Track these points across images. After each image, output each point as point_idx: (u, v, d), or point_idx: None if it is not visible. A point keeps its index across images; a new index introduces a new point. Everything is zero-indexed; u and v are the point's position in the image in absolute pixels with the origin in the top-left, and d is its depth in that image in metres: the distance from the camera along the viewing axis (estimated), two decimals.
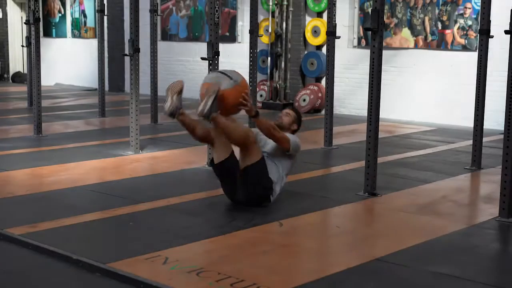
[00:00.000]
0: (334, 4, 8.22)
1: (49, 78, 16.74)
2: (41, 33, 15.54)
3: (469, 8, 10.44)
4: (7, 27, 18.04)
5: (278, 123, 5.59)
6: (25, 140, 8.50)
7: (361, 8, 11.62)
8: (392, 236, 4.75)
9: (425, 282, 3.89)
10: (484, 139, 7.43)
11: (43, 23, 16.35)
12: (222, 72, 5.23)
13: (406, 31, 11.15)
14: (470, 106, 9.58)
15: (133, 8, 7.57)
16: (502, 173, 5.15)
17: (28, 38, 10.71)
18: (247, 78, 9.64)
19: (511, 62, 5.22)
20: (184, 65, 14.25)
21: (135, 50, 7.63)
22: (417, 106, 11.06)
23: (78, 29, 16.47)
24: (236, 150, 5.36)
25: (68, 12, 16.62)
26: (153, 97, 10.34)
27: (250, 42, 8.84)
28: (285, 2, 12.20)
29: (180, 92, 5.17)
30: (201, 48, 13.51)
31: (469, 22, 10.47)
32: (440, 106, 10.80)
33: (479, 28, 7.07)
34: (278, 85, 12.41)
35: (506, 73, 5.26)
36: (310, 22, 12.11)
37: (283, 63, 12.37)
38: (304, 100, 11.92)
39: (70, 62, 16.70)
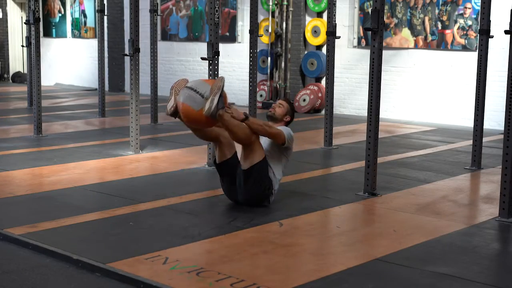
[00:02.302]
0: (334, 4, 8.22)
1: (49, 78, 16.75)
2: (41, 33, 15.57)
3: (469, 8, 10.44)
4: (7, 27, 18.05)
5: (271, 114, 5.60)
6: (25, 140, 8.50)
7: (361, 8, 11.62)
8: (392, 236, 4.75)
9: (425, 282, 3.89)
10: (484, 139, 7.43)
11: (43, 23, 16.35)
12: (192, 89, 5.01)
13: (406, 31, 11.15)
14: (470, 106, 9.61)
15: (133, 8, 7.57)
16: (502, 173, 5.15)
17: (28, 38, 10.72)
18: (247, 78, 9.65)
19: (511, 62, 5.22)
20: (184, 65, 14.25)
21: (135, 50, 7.63)
22: (417, 106, 11.07)
23: (78, 29, 16.48)
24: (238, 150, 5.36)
25: (68, 12, 16.62)
26: (153, 97, 10.34)
27: (250, 42, 8.83)
28: (285, 2, 12.20)
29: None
30: (201, 48, 13.59)
31: (469, 22, 10.47)
32: (440, 106, 10.80)
33: (479, 28, 7.07)
34: (278, 85, 12.41)
35: (506, 73, 5.27)
36: (310, 22, 12.11)
37: (283, 63, 12.37)
38: (304, 100, 11.92)
39: (70, 62, 16.70)
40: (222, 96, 4.86)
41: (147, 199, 5.59)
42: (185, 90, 5.02)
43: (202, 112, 4.89)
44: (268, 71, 12.47)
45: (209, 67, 6.85)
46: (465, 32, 10.53)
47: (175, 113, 5.16)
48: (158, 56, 12.43)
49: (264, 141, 5.43)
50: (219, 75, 5.87)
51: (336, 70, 10.62)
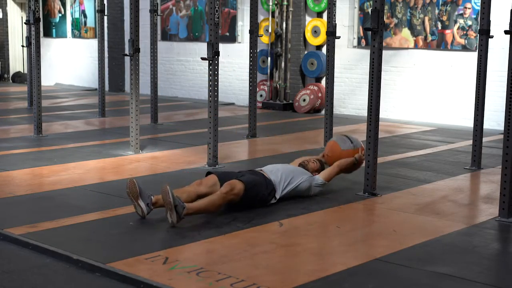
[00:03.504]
0: (334, 4, 8.22)
1: (49, 78, 16.75)
2: (41, 33, 15.57)
3: (469, 8, 10.44)
4: (7, 27, 18.05)
5: (303, 164, 5.91)
6: (25, 140, 8.50)
7: (361, 8, 11.62)
8: (392, 236, 4.75)
9: (425, 282, 3.90)
10: (484, 139, 7.43)
11: (43, 23, 16.35)
12: (347, 137, 6.16)
13: (406, 31, 11.15)
14: (470, 106, 9.61)
15: (133, 8, 7.57)
16: (502, 173, 5.15)
17: (28, 38, 10.72)
18: (247, 78, 9.69)
19: (511, 62, 5.22)
20: (184, 65, 14.25)
21: (135, 50, 7.63)
22: (417, 106, 11.07)
23: (78, 29, 16.48)
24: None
25: (68, 12, 16.62)
26: (153, 97, 10.34)
27: (250, 42, 8.85)
28: (285, 2, 12.20)
29: (139, 193, 5.01)
30: (201, 48, 13.59)
31: (469, 22, 10.47)
32: (440, 106, 10.80)
33: (479, 28, 7.07)
34: (278, 85, 12.41)
35: (506, 73, 5.27)
36: (310, 22, 12.11)
37: (283, 63, 12.37)
38: (304, 100, 11.92)
39: (70, 62, 16.70)
40: (177, 205, 4.81)
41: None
42: (340, 136, 6.27)
43: (345, 152, 6.00)
44: (268, 71, 12.47)
45: (209, 67, 6.85)
46: (465, 32, 10.53)
47: (149, 212, 5.04)
48: (158, 56, 12.43)
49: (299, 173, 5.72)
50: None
51: (336, 70, 10.63)
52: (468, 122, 10.02)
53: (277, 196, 5.46)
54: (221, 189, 5.13)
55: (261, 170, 5.60)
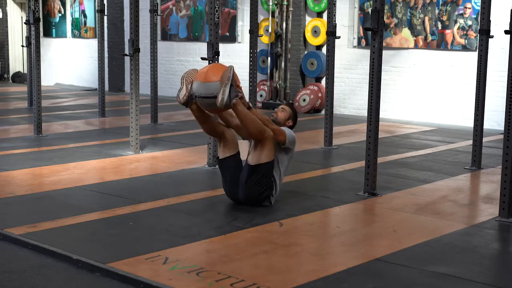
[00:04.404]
0: (334, 4, 8.22)
1: (49, 78, 16.75)
2: (41, 33, 15.57)
3: (469, 8, 10.44)
4: (7, 27, 18.05)
5: (273, 118, 5.59)
6: (25, 140, 8.50)
7: (361, 8, 11.62)
8: (392, 236, 4.75)
9: (425, 282, 3.89)
10: (484, 139, 7.43)
11: (43, 23, 16.35)
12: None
13: (406, 31, 11.15)
14: (470, 106, 9.61)
15: (133, 8, 7.57)
16: (502, 173, 5.15)
17: (28, 38, 10.72)
18: (247, 78, 9.68)
19: (511, 62, 5.22)
20: (184, 65, 14.25)
21: (135, 50, 7.63)
22: (417, 106, 11.07)
23: (78, 29, 16.48)
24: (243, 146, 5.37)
25: (68, 12, 16.62)
26: (153, 97, 10.34)
27: (250, 42, 8.84)
28: (285, 2, 12.20)
29: (193, 82, 5.15)
30: (201, 48, 13.59)
31: (469, 22, 10.47)
32: (440, 106, 10.80)
33: (479, 28, 7.07)
34: (278, 85, 12.41)
35: (506, 73, 5.27)
36: (310, 22, 12.11)
37: (283, 63, 12.37)
38: (304, 100, 11.92)
39: (70, 62, 16.71)
40: (233, 86, 4.91)
41: (147, 199, 5.59)
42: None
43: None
44: (268, 71, 12.47)
45: None
46: (465, 32, 10.53)
47: (187, 102, 5.20)
48: (158, 56, 12.43)
49: None
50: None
51: (336, 70, 10.62)
52: (468, 122, 10.02)
53: (277, 192, 5.42)
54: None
55: None
